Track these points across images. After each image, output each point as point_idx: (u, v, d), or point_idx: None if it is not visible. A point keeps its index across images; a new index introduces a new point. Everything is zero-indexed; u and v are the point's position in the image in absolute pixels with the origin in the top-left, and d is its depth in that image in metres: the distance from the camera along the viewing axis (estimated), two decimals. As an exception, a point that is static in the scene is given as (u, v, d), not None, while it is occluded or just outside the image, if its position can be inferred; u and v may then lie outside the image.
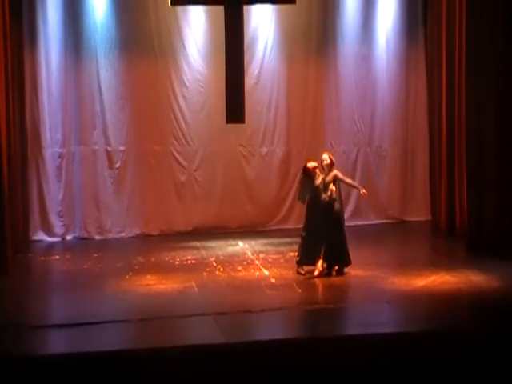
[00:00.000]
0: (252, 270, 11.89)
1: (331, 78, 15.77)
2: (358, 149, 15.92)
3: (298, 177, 11.90)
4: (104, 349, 8.24)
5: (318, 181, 11.37)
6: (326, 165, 11.46)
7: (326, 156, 11.54)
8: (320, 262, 11.29)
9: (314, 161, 11.56)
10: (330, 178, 11.37)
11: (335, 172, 11.44)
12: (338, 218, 11.39)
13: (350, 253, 11.42)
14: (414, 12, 15.85)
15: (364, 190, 11.70)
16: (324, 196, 11.29)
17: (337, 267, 11.42)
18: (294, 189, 15.35)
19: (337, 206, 11.38)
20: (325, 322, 9.38)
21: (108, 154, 15.05)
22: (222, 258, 12.86)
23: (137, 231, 15.12)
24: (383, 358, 7.95)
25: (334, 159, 11.61)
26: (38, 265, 12.99)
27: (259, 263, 12.35)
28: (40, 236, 14.73)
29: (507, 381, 7.90)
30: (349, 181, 11.86)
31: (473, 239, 12.64)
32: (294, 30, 15.45)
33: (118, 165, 15.08)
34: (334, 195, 11.32)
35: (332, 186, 11.28)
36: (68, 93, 14.85)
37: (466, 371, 7.89)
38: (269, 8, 15.22)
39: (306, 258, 11.48)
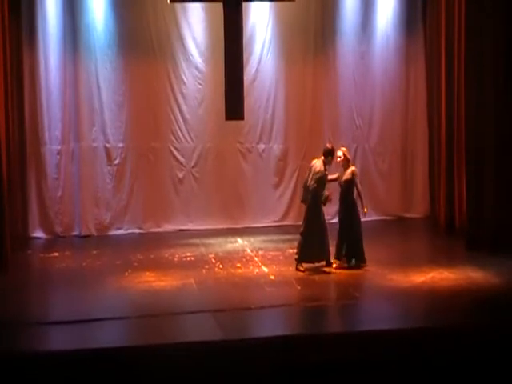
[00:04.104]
0: (251, 267, 11.89)
1: (329, 74, 15.74)
2: (356, 146, 15.87)
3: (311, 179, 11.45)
4: (103, 345, 8.26)
5: (330, 177, 11.37)
6: (341, 161, 11.47)
7: (340, 153, 11.50)
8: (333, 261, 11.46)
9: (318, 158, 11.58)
10: (348, 176, 11.38)
11: (353, 168, 11.49)
12: (348, 213, 11.41)
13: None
14: (413, 7, 15.84)
15: (365, 209, 11.61)
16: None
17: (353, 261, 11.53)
18: (291, 186, 15.42)
19: (348, 200, 11.42)
20: (324, 319, 9.40)
21: (107, 150, 15.04)
22: (221, 254, 12.85)
23: (135, 228, 15.12)
24: (383, 354, 7.96)
25: (348, 156, 11.61)
26: (37, 262, 12.99)
27: (258, 260, 12.35)
28: (39, 233, 14.71)
29: (506, 376, 7.92)
30: (359, 188, 11.55)
31: (472, 236, 12.63)
32: (292, 27, 15.43)
33: (116, 161, 15.08)
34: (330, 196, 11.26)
35: (326, 192, 11.16)
36: (67, 90, 14.83)
37: (466, 367, 7.90)
38: (267, 5, 15.22)
39: (306, 256, 11.46)
